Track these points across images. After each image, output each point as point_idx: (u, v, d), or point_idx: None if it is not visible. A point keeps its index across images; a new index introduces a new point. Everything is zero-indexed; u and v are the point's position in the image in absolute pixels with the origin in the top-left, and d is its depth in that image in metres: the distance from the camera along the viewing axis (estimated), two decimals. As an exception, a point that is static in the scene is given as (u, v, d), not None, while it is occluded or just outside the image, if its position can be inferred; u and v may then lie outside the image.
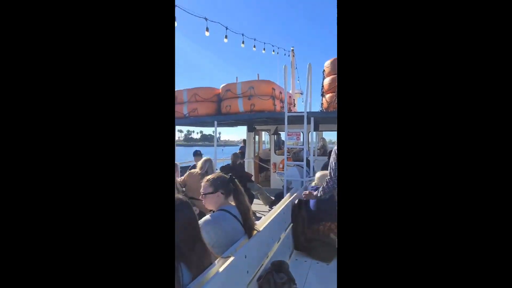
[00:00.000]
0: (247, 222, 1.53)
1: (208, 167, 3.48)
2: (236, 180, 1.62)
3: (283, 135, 6.22)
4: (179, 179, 3.49)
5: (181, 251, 1.03)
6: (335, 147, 2.07)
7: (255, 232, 1.56)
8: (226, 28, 4.53)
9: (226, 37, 4.80)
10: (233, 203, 1.60)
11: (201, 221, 1.41)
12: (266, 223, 1.78)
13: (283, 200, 2.43)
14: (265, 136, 7.81)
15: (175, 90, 5.39)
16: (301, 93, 7.51)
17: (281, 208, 2.16)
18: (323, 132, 6.98)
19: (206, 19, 4.19)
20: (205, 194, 1.59)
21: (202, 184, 1.63)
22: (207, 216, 1.50)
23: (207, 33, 4.36)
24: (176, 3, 3.67)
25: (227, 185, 1.59)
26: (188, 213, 1.12)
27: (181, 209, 1.10)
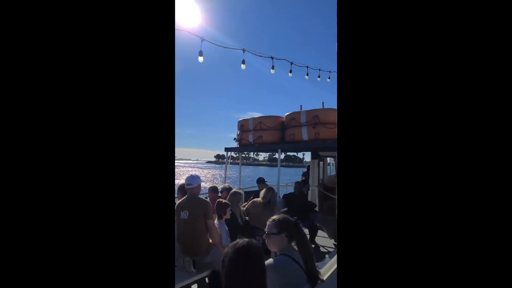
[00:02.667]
0: (310, 270, 1.47)
1: (270, 196, 3.53)
2: (300, 224, 1.60)
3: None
4: (243, 207, 3.61)
5: None
6: None
7: (318, 281, 1.49)
8: (291, 64, 4.70)
9: (290, 71, 4.97)
10: (296, 248, 1.57)
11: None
12: (331, 270, 1.68)
13: None
14: (330, 160, 7.51)
15: (242, 119, 5.73)
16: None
17: (347, 253, 2.01)
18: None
19: (272, 58, 4.45)
20: (268, 234, 1.60)
21: (268, 223, 1.65)
22: (270, 260, 1.51)
23: (272, 71, 4.62)
24: (244, 48, 4.02)
25: (292, 228, 1.58)
26: (260, 265, 1.12)
27: (254, 258, 1.11)
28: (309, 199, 5.96)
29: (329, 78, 6.51)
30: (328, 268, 1.71)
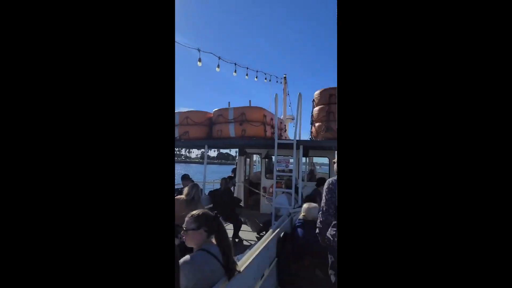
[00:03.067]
0: (228, 263, 1.50)
1: (195, 193, 3.44)
2: (220, 218, 1.61)
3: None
4: None
5: None
6: (330, 179, 2.08)
7: (236, 272, 1.53)
8: (219, 58, 4.69)
9: (218, 66, 4.96)
10: (215, 242, 1.58)
11: (180, 262, 1.39)
12: (248, 261, 1.75)
13: (267, 234, 2.40)
14: (256, 158, 7.83)
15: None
16: (293, 119, 7.65)
17: (265, 244, 2.13)
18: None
19: (199, 50, 4.34)
20: (187, 229, 1.56)
21: (186, 219, 1.60)
22: (187, 257, 1.47)
23: (199, 64, 4.51)
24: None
25: (211, 223, 1.58)
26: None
27: None
28: (235, 195, 6.08)
29: (256, 77, 6.75)
30: (245, 260, 1.77)
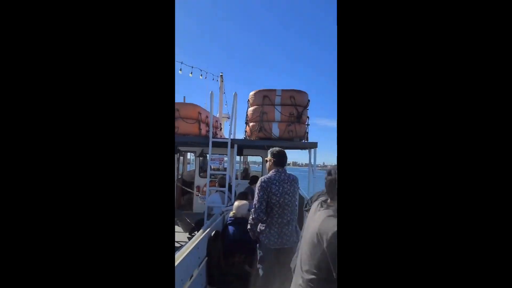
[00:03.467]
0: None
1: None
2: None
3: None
4: None
5: None
6: (262, 177, 2.15)
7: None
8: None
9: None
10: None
11: None
12: (176, 263, 1.70)
13: (198, 233, 2.37)
14: (190, 156, 7.60)
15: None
16: (229, 117, 7.70)
17: (195, 243, 2.10)
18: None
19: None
20: None
21: None
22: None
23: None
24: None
25: None
26: None
27: None
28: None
29: (191, 73, 6.55)
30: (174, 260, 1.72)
